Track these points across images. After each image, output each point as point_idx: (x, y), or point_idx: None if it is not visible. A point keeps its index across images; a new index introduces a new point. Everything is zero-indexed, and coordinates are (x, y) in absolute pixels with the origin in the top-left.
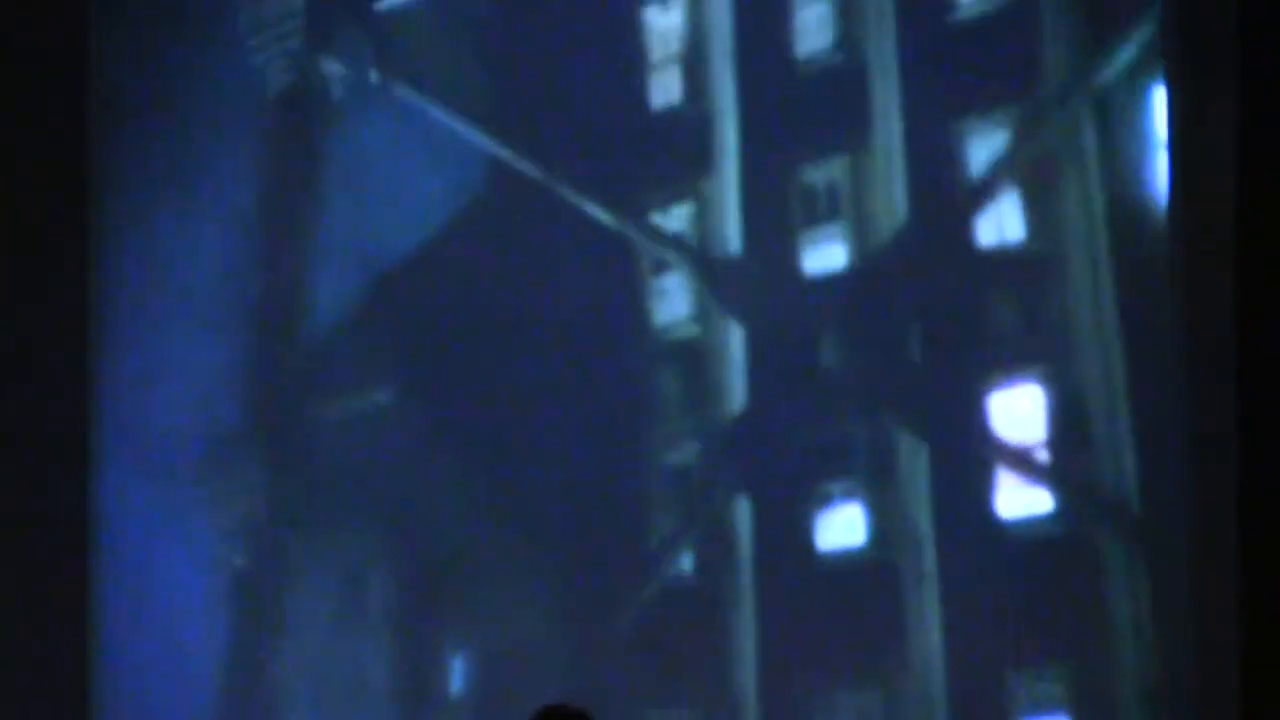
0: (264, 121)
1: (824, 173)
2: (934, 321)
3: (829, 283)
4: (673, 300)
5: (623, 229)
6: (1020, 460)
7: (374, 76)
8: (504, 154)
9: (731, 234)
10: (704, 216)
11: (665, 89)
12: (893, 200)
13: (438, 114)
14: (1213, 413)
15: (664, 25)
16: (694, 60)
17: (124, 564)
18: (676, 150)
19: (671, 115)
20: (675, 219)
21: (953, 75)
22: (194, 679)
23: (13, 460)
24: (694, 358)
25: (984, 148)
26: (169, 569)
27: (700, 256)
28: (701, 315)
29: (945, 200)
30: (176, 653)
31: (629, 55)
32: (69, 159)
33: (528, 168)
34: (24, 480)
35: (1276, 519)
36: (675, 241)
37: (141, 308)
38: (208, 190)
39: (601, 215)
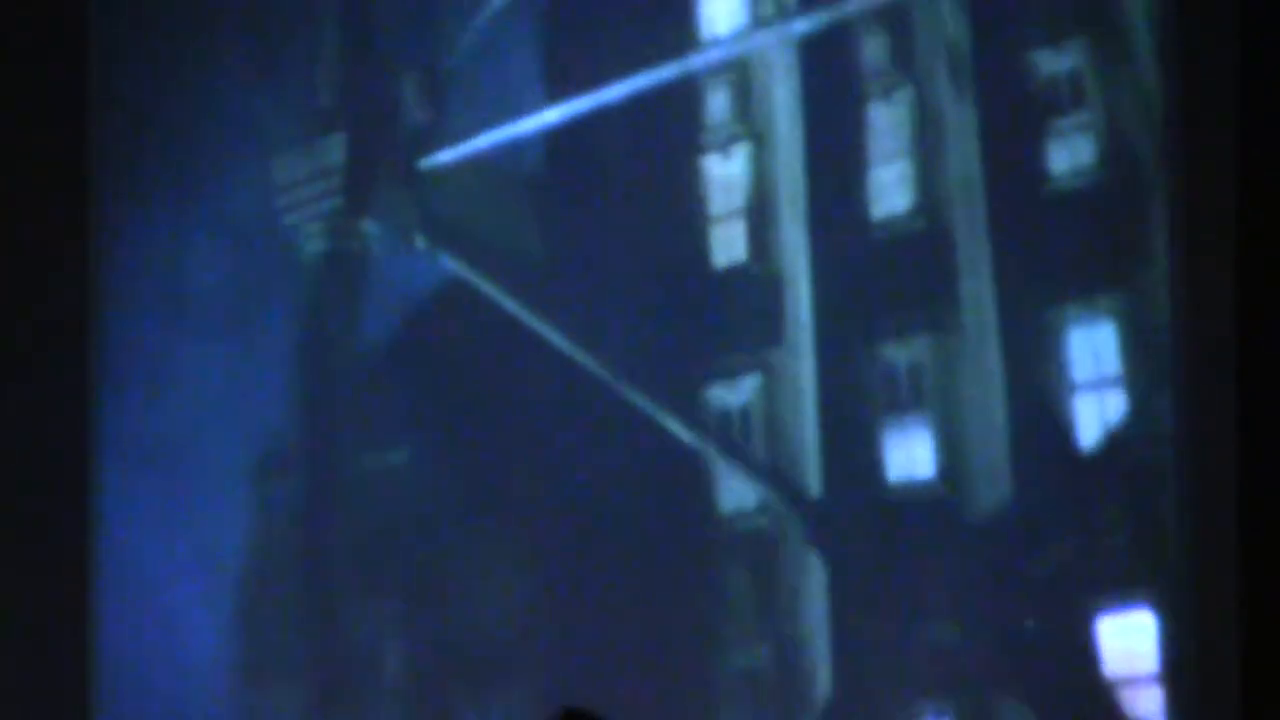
0: (298, 279)
1: (906, 352)
2: (1035, 540)
3: (918, 495)
4: (739, 484)
5: (695, 443)
6: (1130, 696)
7: (420, 242)
8: (560, 340)
9: (806, 417)
10: (773, 391)
11: (729, 245)
12: (986, 393)
13: (488, 287)
14: (1213, 413)
15: (726, 175)
16: (760, 215)
17: (124, 574)
18: (742, 313)
19: (736, 274)
20: (741, 391)
21: (1049, 252)
22: (195, 696)
23: (12, 467)
24: (763, 552)
25: (1087, 338)
26: (170, 577)
27: (778, 481)
28: (769, 508)
29: (1045, 396)
30: (177, 667)
31: (688, 208)
32: (69, 161)
33: (585, 356)
34: (24, 486)
35: (1276, 519)
36: (743, 454)
37: (142, 312)
38: (210, 196)
39: (675, 427)
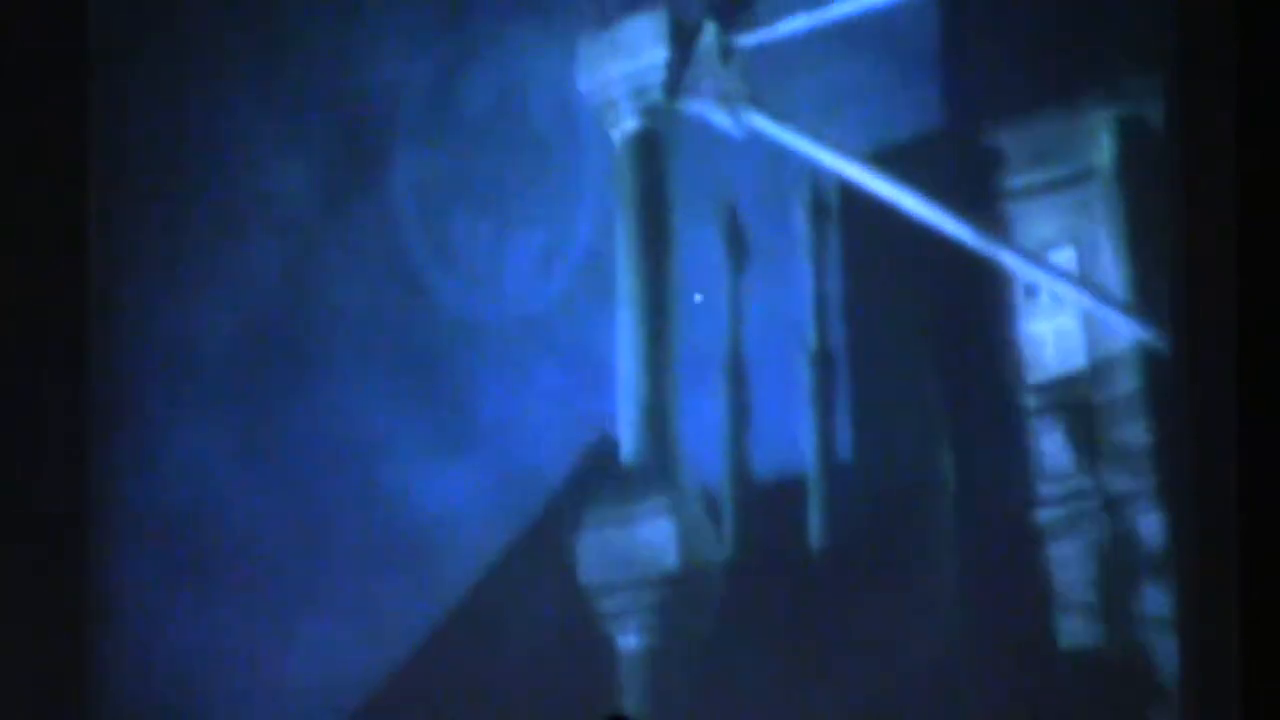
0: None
1: None
2: None
3: None
4: None
5: None
6: None
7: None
8: None
9: None
10: None
11: None
12: None
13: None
14: (1213, 413)
15: None
16: None
17: (124, 645)
18: None
19: None
20: None
21: None
22: None
23: (11, 536)
24: None
25: None
26: (170, 645)
27: None
28: None
29: None
30: None
31: None
32: (68, 224)
33: None
34: (22, 555)
35: (1276, 519)
36: None
37: (140, 382)
38: (215, 272)
39: None
